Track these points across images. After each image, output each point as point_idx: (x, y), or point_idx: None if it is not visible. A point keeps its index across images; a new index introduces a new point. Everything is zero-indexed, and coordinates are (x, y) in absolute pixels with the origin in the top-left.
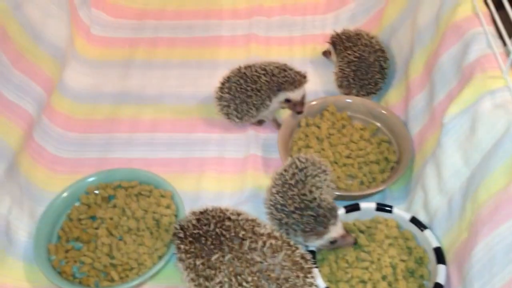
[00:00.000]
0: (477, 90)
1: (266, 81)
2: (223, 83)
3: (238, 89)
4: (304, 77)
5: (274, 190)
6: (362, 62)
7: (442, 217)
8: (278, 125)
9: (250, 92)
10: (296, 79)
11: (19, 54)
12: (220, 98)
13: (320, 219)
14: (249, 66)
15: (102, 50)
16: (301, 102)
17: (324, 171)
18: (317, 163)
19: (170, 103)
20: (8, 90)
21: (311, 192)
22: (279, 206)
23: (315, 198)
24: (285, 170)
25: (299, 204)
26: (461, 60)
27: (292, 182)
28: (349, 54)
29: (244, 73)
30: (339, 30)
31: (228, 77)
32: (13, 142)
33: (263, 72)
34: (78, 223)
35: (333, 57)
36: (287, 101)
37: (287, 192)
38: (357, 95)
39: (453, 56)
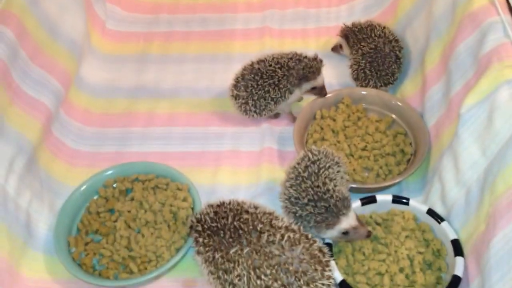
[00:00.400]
0: (494, 80)
1: (284, 74)
2: (237, 81)
3: (255, 85)
4: (320, 61)
5: (288, 184)
6: (377, 53)
7: (460, 209)
8: (293, 118)
9: (268, 87)
10: (315, 66)
11: (37, 49)
12: (236, 97)
13: (331, 209)
14: (262, 61)
15: (117, 44)
16: (323, 86)
17: (337, 163)
18: (329, 155)
19: (186, 97)
20: (26, 85)
21: (324, 184)
22: (293, 199)
23: (328, 190)
24: (298, 164)
25: (312, 196)
26: (477, 49)
27: (305, 174)
28: (363, 46)
29: (258, 68)
30: (349, 23)
31: (242, 75)
32: (32, 136)
33: (278, 66)
34: (97, 216)
35: (346, 50)
36: (313, 88)
37: (301, 184)
38: (375, 87)
39: (469, 46)
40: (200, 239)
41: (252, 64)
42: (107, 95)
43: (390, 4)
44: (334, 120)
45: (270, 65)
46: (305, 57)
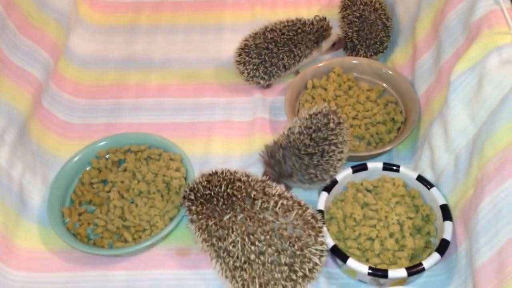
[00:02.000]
0: (484, 46)
1: (302, 39)
2: (249, 48)
3: (269, 54)
4: (324, 18)
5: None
6: (363, 22)
7: (449, 174)
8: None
9: (283, 55)
10: (326, 24)
11: (25, 20)
12: (246, 63)
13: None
14: (274, 30)
15: (106, 15)
16: (340, 38)
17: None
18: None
19: (177, 68)
20: (15, 55)
21: None
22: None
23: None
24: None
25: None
26: (468, 17)
27: None
28: (348, 14)
29: (272, 38)
30: None
31: (256, 44)
32: (23, 107)
33: (293, 33)
34: (90, 187)
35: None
36: (333, 45)
37: None
38: (365, 56)
39: (460, 14)
40: (193, 207)
41: (264, 33)
42: (97, 66)
43: None
44: (325, 89)
45: (284, 33)
46: (308, 20)
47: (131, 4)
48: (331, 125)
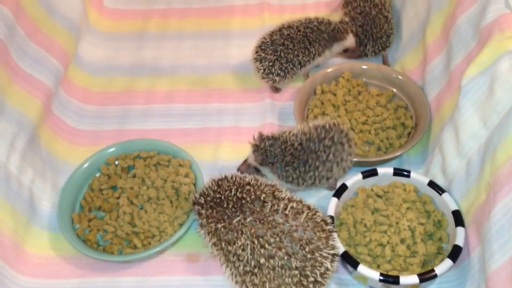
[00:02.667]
0: (495, 50)
1: (317, 38)
2: (265, 45)
3: (284, 50)
4: (346, 22)
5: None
6: (365, 17)
7: (461, 180)
8: (307, 76)
9: (298, 51)
10: (343, 27)
11: (34, 27)
12: (262, 59)
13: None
14: (290, 27)
15: (115, 22)
16: (357, 47)
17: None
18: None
19: (185, 74)
20: (25, 62)
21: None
22: None
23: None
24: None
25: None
26: (479, 21)
27: None
28: (349, 11)
29: (288, 34)
30: None
31: (272, 40)
32: (33, 114)
33: (308, 30)
34: (100, 193)
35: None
36: (345, 51)
37: None
38: (373, 52)
39: (470, 18)
40: (203, 211)
41: (280, 30)
42: (106, 73)
43: None
44: (334, 94)
45: (300, 30)
46: (333, 21)
47: (140, 11)
48: (327, 142)
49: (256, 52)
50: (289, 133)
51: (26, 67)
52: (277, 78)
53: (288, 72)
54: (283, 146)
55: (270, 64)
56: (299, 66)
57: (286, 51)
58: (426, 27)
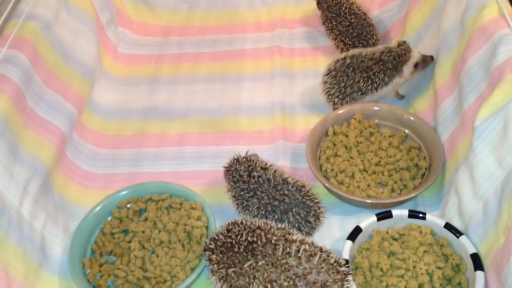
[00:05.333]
0: (507, 91)
1: (380, 69)
2: (329, 70)
3: (344, 76)
4: (404, 41)
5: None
6: (354, 28)
7: (478, 222)
8: (400, 96)
9: (359, 78)
10: (403, 49)
11: (51, 73)
12: (324, 83)
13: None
14: (354, 56)
15: (129, 67)
16: (424, 58)
17: None
18: None
19: (197, 116)
20: (41, 108)
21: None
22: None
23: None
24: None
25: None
26: (489, 62)
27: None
28: (336, 25)
29: (350, 63)
30: None
31: (334, 67)
32: (47, 158)
33: (372, 61)
34: (111, 237)
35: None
36: (416, 66)
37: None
38: (365, 51)
39: (481, 59)
40: (214, 257)
41: (344, 58)
42: (119, 116)
43: (400, 19)
44: (346, 136)
45: (363, 61)
46: (394, 45)
47: (154, 56)
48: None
49: (322, 76)
50: (255, 156)
51: (42, 112)
52: (336, 100)
53: (347, 96)
54: (243, 167)
55: (330, 86)
56: (359, 93)
57: (346, 77)
58: (435, 69)
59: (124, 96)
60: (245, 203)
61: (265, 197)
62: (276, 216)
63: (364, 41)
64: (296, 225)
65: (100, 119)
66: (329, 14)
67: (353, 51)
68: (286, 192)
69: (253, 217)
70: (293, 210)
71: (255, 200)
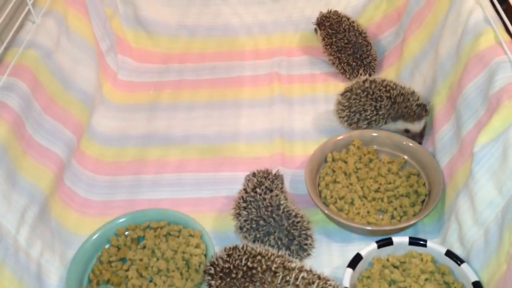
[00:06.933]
0: (506, 117)
1: (387, 105)
2: (345, 90)
3: (357, 99)
4: (426, 110)
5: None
6: (354, 46)
7: (479, 249)
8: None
9: (367, 106)
10: (417, 112)
11: (50, 101)
12: (339, 103)
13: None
14: (374, 81)
15: (129, 94)
16: (421, 134)
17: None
18: None
19: (196, 143)
20: (40, 135)
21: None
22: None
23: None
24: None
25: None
26: (487, 89)
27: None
28: (336, 41)
29: (366, 87)
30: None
31: (351, 88)
32: (45, 185)
33: (387, 95)
34: (109, 266)
35: (320, 41)
36: (406, 131)
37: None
38: (367, 74)
39: (478, 85)
40: (213, 282)
41: (363, 82)
42: (118, 143)
43: (396, 46)
44: (345, 162)
45: (380, 90)
46: (415, 99)
47: (153, 83)
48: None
49: (338, 95)
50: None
51: (41, 139)
52: (345, 123)
53: (355, 122)
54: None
55: (342, 107)
56: (366, 121)
57: (358, 100)
58: (432, 95)
59: (123, 123)
60: (238, 211)
61: (254, 213)
62: (258, 235)
63: (359, 60)
64: (277, 250)
65: (99, 146)
66: (330, 31)
67: (377, 77)
68: (274, 216)
69: (239, 227)
70: (275, 234)
71: (245, 212)
